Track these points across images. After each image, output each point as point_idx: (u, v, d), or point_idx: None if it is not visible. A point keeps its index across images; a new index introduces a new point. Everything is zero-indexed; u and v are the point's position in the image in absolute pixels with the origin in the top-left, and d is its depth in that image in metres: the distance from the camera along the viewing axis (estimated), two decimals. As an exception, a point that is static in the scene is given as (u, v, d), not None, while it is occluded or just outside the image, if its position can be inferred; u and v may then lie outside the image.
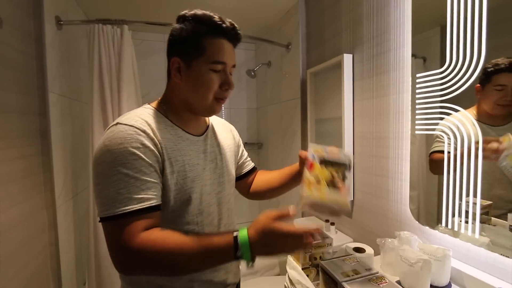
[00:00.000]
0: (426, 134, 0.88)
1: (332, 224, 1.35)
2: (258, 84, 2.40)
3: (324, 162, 0.62)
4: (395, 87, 0.99)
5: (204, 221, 0.65)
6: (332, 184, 0.60)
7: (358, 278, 0.61)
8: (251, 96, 2.45)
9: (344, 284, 0.59)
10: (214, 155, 0.71)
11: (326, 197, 0.58)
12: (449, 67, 0.79)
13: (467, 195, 0.76)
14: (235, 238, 0.51)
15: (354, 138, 1.22)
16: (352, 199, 1.24)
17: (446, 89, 0.80)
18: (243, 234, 0.51)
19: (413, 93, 0.90)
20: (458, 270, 0.78)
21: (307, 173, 0.60)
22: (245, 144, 2.33)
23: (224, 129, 0.81)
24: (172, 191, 0.58)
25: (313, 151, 0.64)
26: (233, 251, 0.50)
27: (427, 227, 0.89)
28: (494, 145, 0.70)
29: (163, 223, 0.57)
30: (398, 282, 0.76)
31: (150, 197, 0.53)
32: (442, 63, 0.80)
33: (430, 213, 0.90)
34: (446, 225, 0.82)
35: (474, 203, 0.76)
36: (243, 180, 0.87)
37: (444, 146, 0.82)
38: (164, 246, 0.50)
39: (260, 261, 1.77)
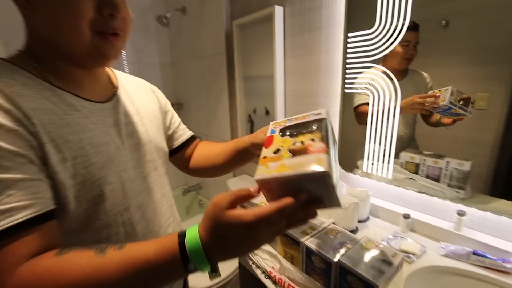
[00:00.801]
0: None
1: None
2: (172, 35, 2.08)
3: (289, 130, 0.45)
4: (327, 45, 1.01)
5: (134, 218, 0.49)
6: (298, 151, 0.39)
7: (316, 233, 0.65)
8: (163, 49, 2.11)
9: (307, 242, 0.62)
10: (133, 127, 0.53)
11: (287, 165, 0.36)
12: (379, 27, 0.84)
13: (384, 142, 0.90)
14: (181, 244, 0.35)
15: (285, 97, 1.23)
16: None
17: (375, 49, 0.86)
18: (192, 236, 0.36)
19: (344, 52, 0.94)
20: (374, 205, 0.95)
21: (263, 152, 0.42)
22: (163, 105, 2.07)
23: (143, 91, 0.62)
24: (69, 188, 0.40)
25: (273, 126, 0.49)
26: (181, 265, 0.35)
27: (351, 174, 1.04)
28: (431, 99, 0.80)
29: (66, 237, 0.40)
30: (334, 223, 0.87)
31: (27, 204, 0.35)
32: (373, 23, 0.85)
33: (351, 160, 1.04)
34: (367, 170, 0.97)
35: (388, 149, 0.91)
36: (179, 153, 0.70)
37: (367, 99, 0.91)
38: (62, 284, 0.33)
39: (193, 223, 1.75)
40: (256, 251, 0.75)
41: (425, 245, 0.76)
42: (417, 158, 0.90)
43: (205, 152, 0.70)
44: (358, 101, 0.95)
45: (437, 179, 0.86)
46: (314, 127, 0.42)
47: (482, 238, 0.72)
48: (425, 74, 0.83)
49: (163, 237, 0.38)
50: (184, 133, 0.71)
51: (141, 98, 0.59)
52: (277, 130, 0.46)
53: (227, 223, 0.34)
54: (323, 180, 0.34)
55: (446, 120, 0.79)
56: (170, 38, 2.10)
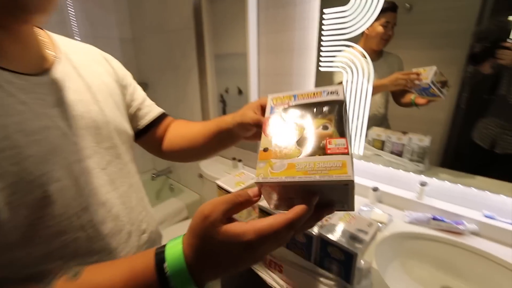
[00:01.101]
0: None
1: (240, 160, 1.40)
2: (132, 6, 1.88)
3: (295, 111, 0.36)
4: (301, 21, 0.99)
5: (97, 218, 0.39)
6: (310, 145, 0.31)
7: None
8: (123, 21, 1.91)
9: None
10: (83, 106, 0.41)
11: (299, 167, 0.29)
12: (354, 4, 0.84)
13: (357, 120, 0.94)
14: (159, 266, 0.28)
15: (259, 76, 1.21)
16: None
17: (350, 27, 0.86)
18: (175, 257, 0.28)
19: (319, 29, 0.93)
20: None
21: (263, 140, 0.34)
22: (125, 85, 1.91)
23: (93, 60, 0.49)
24: None
25: (273, 103, 0.38)
26: None
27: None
28: (414, 76, 0.83)
29: (5, 253, 0.31)
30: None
31: None
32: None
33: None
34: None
35: (360, 126, 0.94)
36: (148, 134, 0.58)
37: (345, 76, 0.93)
38: None
39: (164, 209, 1.70)
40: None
41: (392, 214, 0.82)
42: (383, 136, 0.95)
43: (181, 132, 0.60)
44: (338, 78, 0.96)
45: (400, 154, 0.93)
46: (328, 110, 0.34)
47: (440, 205, 0.80)
48: (399, 56, 0.86)
49: (133, 258, 0.30)
50: (151, 110, 0.59)
51: (91, 69, 0.46)
52: (279, 110, 0.37)
53: (222, 243, 0.27)
54: (346, 188, 0.28)
55: (421, 100, 0.84)
56: (131, 10, 1.91)
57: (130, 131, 0.51)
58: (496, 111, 0.75)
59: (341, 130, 0.31)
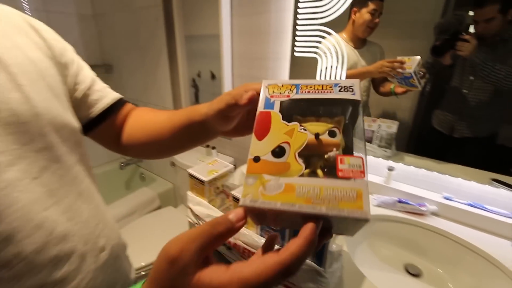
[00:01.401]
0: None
1: (213, 148, 1.37)
2: (90, -22, 1.70)
3: (296, 107, 0.28)
4: (277, 3, 0.95)
5: (27, 249, 0.29)
6: (314, 159, 0.25)
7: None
8: (81, -5, 1.73)
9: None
10: None
11: (300, 193, 0.23)
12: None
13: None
14: None
15: (233, 59, 1.16)
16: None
17: (326, 11, 0.85)
18: None
19: (295, 12, 0.91)
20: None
21: (253, 145, 0.26)
22: (86, 67, 1.75)
23: (12, 28, 0.34)
24: None
25: (269, 92, 0.30)
26: None
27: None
28: (398, 64, 0.83)
29: None
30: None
31: None
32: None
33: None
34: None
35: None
36: (102, 125, 0.46)
37: (320, 63, 0.92)
38: None
39: (135, 199, 1.63)
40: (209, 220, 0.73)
41: (361, 198, 0.85)
42: (359, 119, 0.98)
43: (143, 123, 0.48)
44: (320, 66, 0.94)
45: (369, 141, 0.96)
46: (338, 111, 0.27)
47: (406, 188, 0.84)
48: (381, 46, 0.87)
49: None
50: (104, 95, 0.46)
51: (7, 41, 0.32)
52: (277, 104, 0.28)
53: None
54: (359, 224, 0.22)
55: (400, 89, 0.86)
56: (89, -17, 1.73)
57: (75, 123, 0.38)
58: (452, 99, 0.80)
59: (351, 140, 0.25)
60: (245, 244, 0.64)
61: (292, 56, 0.96)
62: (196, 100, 1.40)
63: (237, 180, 0.85)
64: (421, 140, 0.90)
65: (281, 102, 0.29)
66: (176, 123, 0.43)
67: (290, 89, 0.30)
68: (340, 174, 0.23)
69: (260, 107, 0.29)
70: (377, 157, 0.92)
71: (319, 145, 0.25)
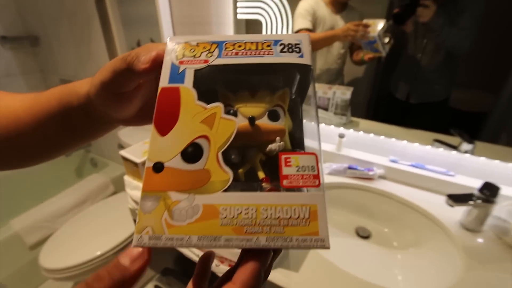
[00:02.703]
0: (248, 19, 0.88)
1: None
2: None
3: (219, 79, 0.21)
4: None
5: None
6: (256, 154, 0.19)
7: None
8: None
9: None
10: None
11: (222, 219, 0.16)
12: None
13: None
14: None
15: (173, 25, 1.05)
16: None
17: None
18: None
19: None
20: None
21: (153, 143, 0.18)
22: (3, 39, 1.50)
23: None
24: None
25: (178, 54, 0.21)
26: None
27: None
28: (362, 27, 0.79)
29: None
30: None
31: None
32: None
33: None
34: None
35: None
36: None
37: (308, 24, 0.85)
38: None
39: (86, 186, 1.53)
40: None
41: (314, 167, 0.86)
42: (310, 90, 0.95)
43: None
44: (299, 25, 0.87)
45: (326, 108, 0.95)
46: (281, 82, 0.21)
47: (355, 154, 0.85)
48: (362, 11, 0.82)
49: None
50: None
51: None
52: (189, 74, 0.19)
53: None
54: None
55: (368, 56, 0.83)
56: None
57: None
58: (407, 64, 0.80)
59: (300, 124, 0.19)
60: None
61: (236, 20, 0.88)
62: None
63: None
64: (378, 107, 0.91)
65: (196, 72, 0.19)
66: (41, 112, 0.28)
67: (210, 50, 0.20)
68: (284, 183, 0.16)
69: (163, 80, 0.19)
70: (332, 124, 0.92)
71: (256, 133, 0.18)
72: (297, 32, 0.87)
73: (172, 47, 0.21)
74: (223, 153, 0.17)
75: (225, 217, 0.15)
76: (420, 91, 0.79)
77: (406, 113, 0.84)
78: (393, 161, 0.81)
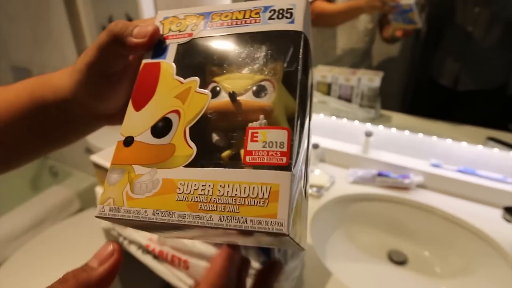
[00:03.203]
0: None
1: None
2: None
3: (201, 52, 0.23)
4: None
5: None
6: (240, 137, 0.20)
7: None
8: None
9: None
10: None
11: (179, 194, 0.19)
12: None
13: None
14: None
15: (154, -4, 1.08)
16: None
17: None
18: None
19: None
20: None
21: (128, 118, 0.22)
22: None
23: None
24: None
25: (165, 28, 0.25)
26: None
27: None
28: None
29: None
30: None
31: None
32: None
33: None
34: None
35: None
36: None
37: None
38: None
39: (45, 202, 1.56)
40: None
41: (335, 174, 0.87)
42: (329, 77, 0.97)
43: None
44: None
45: (349, 99, 0.96)
46: (272, 54, 0.22)
47: (387, 158, 0.87)
48: None
49: None
50: None
51: None
52: (172, 49, 0.24)
53: None
54: (280, 238, 0.19)
55: (399, 32, 0.84)
56: None
57: None
58: (455, 42, 0.79)
59: (296, 101, 0.20)
60: (174, 249, 0.63)
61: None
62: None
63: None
64: (416, 97, 0.92)
65: (179, 46, 0.24)
66: (8, 109, 0.29)
67: (195, 23, 0.24)
68: (247, 159, 0.18)
69: (147, 56, 0.24)
70: (356, 120, 0.93)
71: (238, 111, 0.20)
72: (312, 2, 0.89)
73: (160, 19, 0.25)
74: (202, 134, 0.20)
75: (182, 192, 0.18)
76: (471, 75, 0.80)
77: (452, 104, 0.85)
78: (435, 166, 0.82)
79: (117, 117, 0.30)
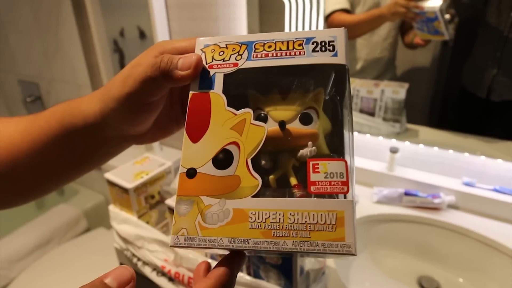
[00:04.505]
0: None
1: (155, 139, 1.36)
2: None
3: (250, 86, 0.27)
4: None
5: None
6: (288, 160, 0.25)
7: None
8: None
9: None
10: None
11: (251, 222, 0.22)
12: None
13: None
14: None
15: (167, 9, 1.13)
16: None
17: None
18: None
19: None
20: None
21: (186, 150, 0.25)
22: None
23: None
24: None
25: (207, 57, 0.27)
26: None
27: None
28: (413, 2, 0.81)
29: None
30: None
31: None
32: None
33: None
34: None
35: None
36: None
37: (345, 3, 0.90)
38: None
39: (50, 221, 1.61)
40: (141, 244, 0.73)
41: (358, 194, 0.89)
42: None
43: None
44: (332, 6, 0.92)
45: (372, 113, 0.98)
46: (314, 83, 0.26)
47: (414, 176, 0.88)
48: None
49: None
50: None
51: None
52: (218, 78, 0.26)
53: None
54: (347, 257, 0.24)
55: (418, 39, 0.86)
56: None
57: None
58: (489, 47, 0.80)
59: (340, 126, 0.24)
60: (190, 271, 0.65)
61: (249, -2, 0.95)
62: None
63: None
64: (445, 109, 0.92)
65: (226, 76, 0.26)
66: (40, 136, 0.32)
67: (239, 53, 0.26)
68: (312, 189, 0.22)
69: (193, 86, 0.26)
70: (380, 135, 0.95)
71: (287, 138, 0.24)
72: (330, 14, 0.92)
73: (202, 47, 0.28)
74: (253, 159, 0.23)
75: (254, 221, 0.22)
76: (507, 84, 0.80)
77: (485, 117, 0.85)
78: (468, 185, 0.83)
79: (145, 137, 0.34)
